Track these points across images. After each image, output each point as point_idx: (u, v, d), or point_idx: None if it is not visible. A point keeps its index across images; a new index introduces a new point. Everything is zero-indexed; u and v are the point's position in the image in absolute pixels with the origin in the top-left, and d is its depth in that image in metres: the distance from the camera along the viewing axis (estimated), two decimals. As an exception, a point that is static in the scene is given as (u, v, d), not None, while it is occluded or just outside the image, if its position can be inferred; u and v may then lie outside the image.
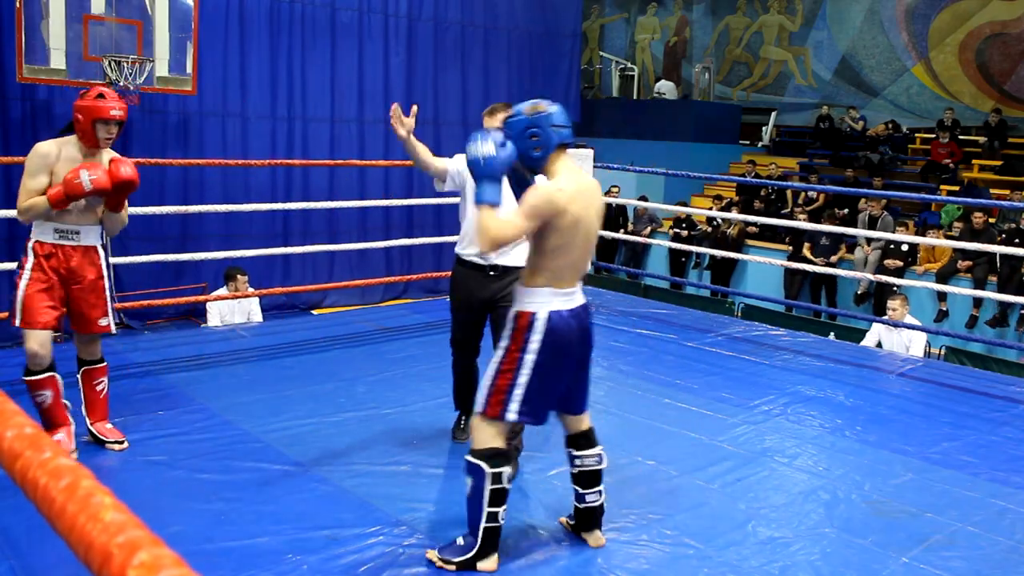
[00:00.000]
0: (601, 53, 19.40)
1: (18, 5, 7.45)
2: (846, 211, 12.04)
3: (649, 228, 12.68)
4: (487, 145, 2.88)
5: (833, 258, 10.96)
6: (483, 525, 2.99)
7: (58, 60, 7.75)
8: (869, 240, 10.83)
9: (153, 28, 8.23)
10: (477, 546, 3.00)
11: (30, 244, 3.77)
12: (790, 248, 11.53)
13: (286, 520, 3.36)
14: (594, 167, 7.58)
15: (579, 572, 3.12)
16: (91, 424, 4.04)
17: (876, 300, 10.54)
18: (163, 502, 3.46)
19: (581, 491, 3.28)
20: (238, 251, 6.82)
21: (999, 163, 13.46)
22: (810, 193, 12.83)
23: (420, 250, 10.91)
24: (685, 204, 13.39)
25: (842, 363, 6.20)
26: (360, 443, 4.21)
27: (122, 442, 4.00)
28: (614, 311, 7.38)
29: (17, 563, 2.96)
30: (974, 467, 4.31)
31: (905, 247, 10.62)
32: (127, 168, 3.76)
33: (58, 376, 3.84)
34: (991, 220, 10.68)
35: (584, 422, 3.29)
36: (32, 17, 7.57)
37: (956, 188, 12.78)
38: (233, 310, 7.49)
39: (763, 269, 11.29)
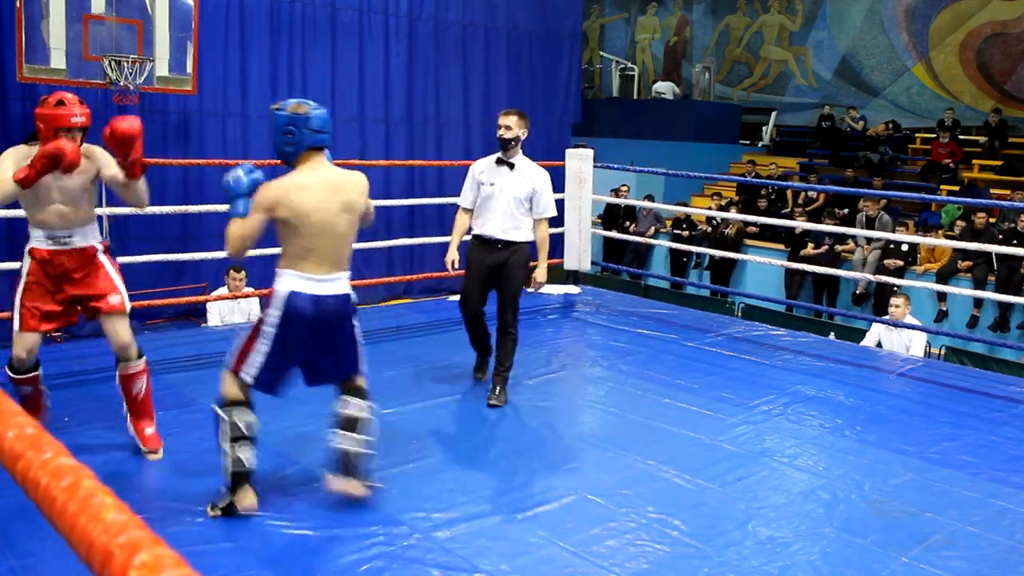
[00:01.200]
0: (601, 53, 19.41)
1: (18, 5, 7.46)
2: (846, 211, 12.03)
3: (653, 228, 12.69)
4: (237, 172, 3.41)
5: (837, 246, 10.97)
6: (226, 466, 3.28)
7: (58, 60, 7.75)
8: (869, 240, 10.83)
9: (153, 28, 8.23)
10: (228, 487, 3.30)
11: (26, 250, 3.77)
12: (789, 248, 11.53)
13: (286, 520, 3.36)
14: (594, 167, 7.57)
15: (579, 572, 3.12)
16: (130, 424, 3.96)
17: (876, 300, 10.54)
18: (162, 503, 3.46)
19: (337, 433, 3.48)
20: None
21: (999, 163, 13.47)
22: (810, 193, 12.84)
23: (422, 250, 10.91)
24: (685, 204, 13.39)
25: (842, 363, 6.20)
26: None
27: (156, 452, 3.92)
28: (615, 311, 7.38)
29: (17, 563, 2.96)
30: (974, 467, 4.31)
31: (905, 247, 10.62)
32: (125, 122, 3.70)
33: (39, 373, 3.89)
34: (991, 220, 10.68)
35: (353, 383, 3.55)
36: (32, 17, 7.57)
37: (956, 188, 12.79)
38: (233, 310, 7.49)
39: (763, 269, 11.30)
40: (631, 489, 3.83)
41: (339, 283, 3.35)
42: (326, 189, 3.31)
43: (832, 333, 7.80)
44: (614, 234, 10.55)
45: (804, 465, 4.27)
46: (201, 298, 7.70)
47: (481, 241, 4.98)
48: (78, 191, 3.74)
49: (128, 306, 3.94)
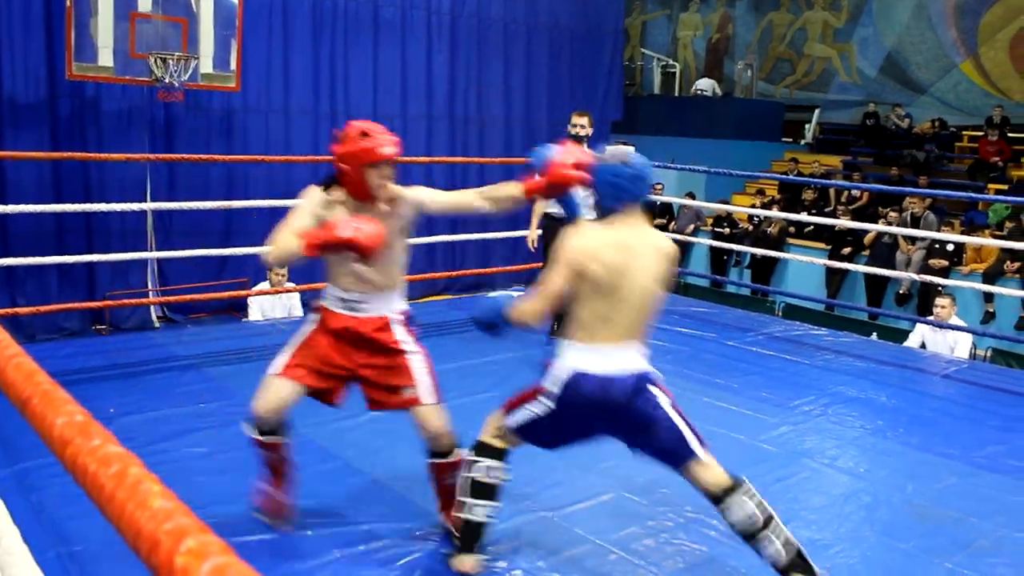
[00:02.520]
0: (643, 50, 19.30)
1: (68, 4, 7.58)
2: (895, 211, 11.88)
3: (693, 226, 12.61)
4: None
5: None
6: (463, 516, 2.98)
7: (106, 57, 7.86)
8: (913, 239, 10.67)
9: (198, 25, 8.32)
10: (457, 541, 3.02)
11: (316, 305, 3.30)
12: (830, 247, 11.41)
13: (326, 514, 3.39)
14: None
15: (617, 570, 3.12)
16: (442, 515, 3.30)
17: (920, 301, 10.39)
18: (205, 493, 3.51)
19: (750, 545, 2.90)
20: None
21: (1050, 162, 13.21)
22: (854, 192, 12.69)
23: (463, 247, 10.94)
24: (727, 202, 13.29)
25: (884, 364, 6.13)
26: (399, 438, 4.21)
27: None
28: (654, 309, 7.34)
29: (64, 550, 3.01)
30: (1021, 472, 4.24)
31: (951, 247, 10.46)
32: (349, 230, 2.82)
33: (285, 443, 3.23)
34: (1041, 220, 10.49)
35: (705, 473, 2.94)
36: (81, 15, 7.69)
37: (1005, 187, 12.57)
38: (274, 305, 7.57)
39: (804, 268, 11.18)
40: (669, 488, 3.81)
41: (627, 355, 2.94)
42: (623, 248, 2.86)
43: (874, 333, 7.71)
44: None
45: (845, 467, 4.22)
46: (242, 293, 7.78)
47: (556, 221, 5.52)
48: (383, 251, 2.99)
49: (431, 398, 3.19)
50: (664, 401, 2.95)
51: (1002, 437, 4.73)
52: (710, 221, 12.74)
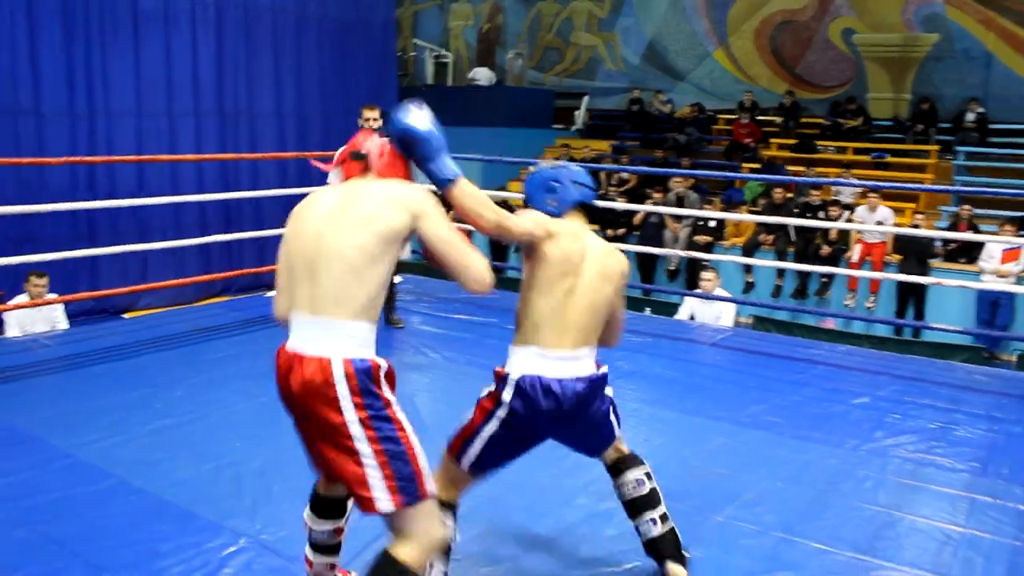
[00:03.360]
0: (415, 40, 19.33)
1: None
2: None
3: (470, 214, 12.77)
4: (427, 115, 2.61)
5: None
6: None
7: None
8: (679, 218, 11.27)
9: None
10: None
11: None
12: (603, 228, 11.85)
13: (103, 539, 3.20)
14: (411, 155, 7.55)
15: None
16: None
17: (688, 275, 10.99)
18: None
19: (632, 521, 3.03)
20: (37, 255, 6.41)
21: (794, 141, 14.31)
22: (623, 174, 13.23)
23: (239, 246, 10.57)
24: (503, 189, 13.54)
25: (658, 337, 6.45)
26: (179, 450, 4.05)
27: None
28: (436, 298, 7.40)
29: None
30: (780, 427, 4.58)
31: (713, 223, 11.12)
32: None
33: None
34: (789, 195, 11.34)
35: (613, 452, 3.06)
36: None
37: (757, 166, 13.49)
38: (34, 319, 7.05)
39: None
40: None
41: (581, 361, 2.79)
42: (581, 249, 2.78)
43: (648, 309, 8.10)
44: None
45: (626, 437, 4.40)
46: (-2, 307, 7.21)
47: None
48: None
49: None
50: (609, 400, 2.95)
51: (763, 396, 5.10)
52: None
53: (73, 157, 8.75)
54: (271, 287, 9.02)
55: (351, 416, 2.22)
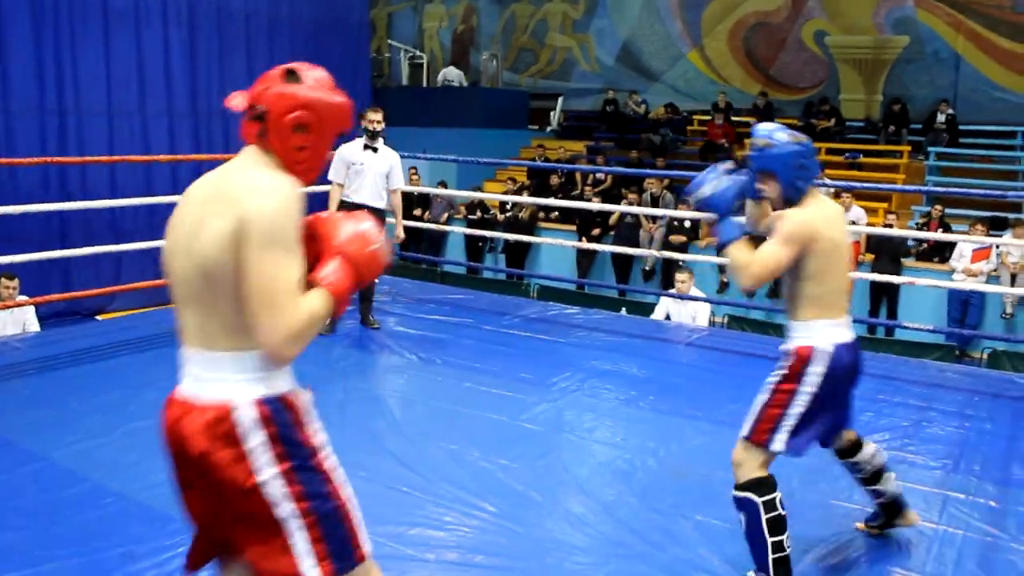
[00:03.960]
0: (390, 41, 19.27)
1: None
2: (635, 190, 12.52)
3: (447, 215, 12.75)
4: (719, 181, 2.95)
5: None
6: (771, 557, 2.86)
7: None
8: (654, 218, 11.30)
9: None
10: None
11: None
12: (579, 229, 11.87)
13: (78, 543, 3.16)
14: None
15: (391, 564, 3.10)
16: None
17: (663, 275, 11.01)
18: None
19: (876, 488, 3.30)
20: (7, 257, 6.31)
21: (768, 142, 14.36)
22: (598, 175, 13.26)
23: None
24: (479, 190, 13.53)
25: (634, 337, 6.47)
26: (155, 452, 3.99)
27: None
28: (412, 299, 7.38)
29: None
30: (756, 426, 4.59)
31: (688, 223, 11.16)
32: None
33: None
34: (763, 195, 11.38)
35: (849, 435, 3.28)
36: None
37: (732, 166, 13.52)
38: (5, 321, 6.96)
39: (556, 250, 11.59)
40: (437, 475, 3.85)
41: (850, 326, 3.07)
42: (833, 220, 3.00)
43: (623, 309, 8.11)
44: (408, 222, 10.50)
45: (603, 437, 4.42)
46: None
47: (353, 208, 5.93)
48: None
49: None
50: None
51: (739, 395, 5.07)
52: (463, 209, 12.92)
53: (44, 156, 8.66)
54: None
55: (267, 474, 1.81)
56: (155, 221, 10.12)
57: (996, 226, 9.90)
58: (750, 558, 2.96)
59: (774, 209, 3.09)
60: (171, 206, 6.76)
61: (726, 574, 3.10)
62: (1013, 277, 9.40)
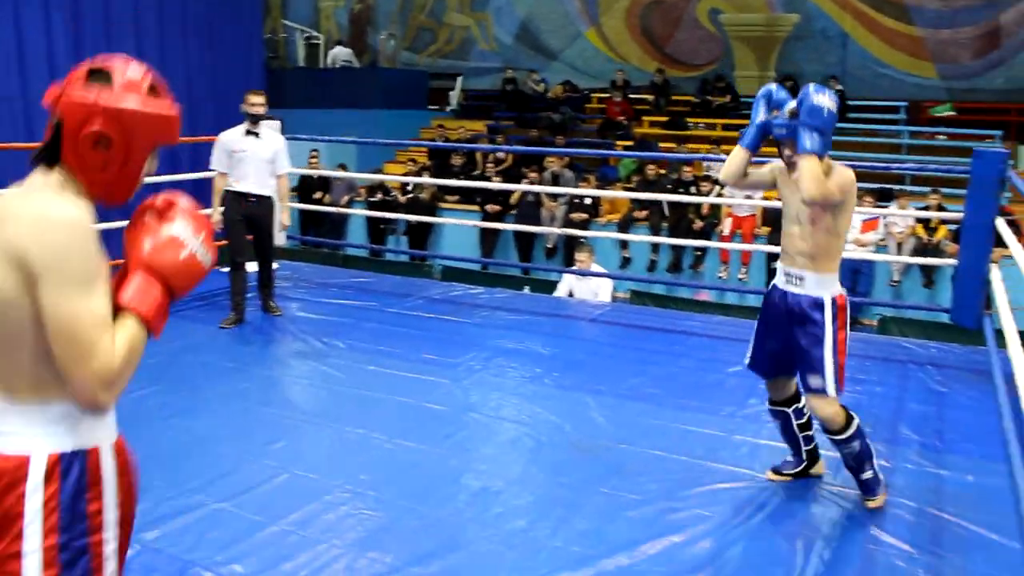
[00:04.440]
0: (284, 22, 18.88)
1: None
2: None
3: (347, 197, 12.58)
4: (828, 99, 3.17)
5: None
6: (875, 462, 3.45)
7: None
8: (555, 196, 11.37)
9: None
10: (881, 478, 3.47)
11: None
12: (481, 209, 11.87)
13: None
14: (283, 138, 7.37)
15: (298, 550, 3.07)
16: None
17: (566, 253, 11.10)
18: None
19: (809, 433, 3.66)
20: None
21: (665, 119, 14.61)
22: (499, 154, 13.27)
23: (106, 237, 10.12)
24: (379, 171, 13.41)
25: (538, 315, 6.50)
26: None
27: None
28: (314, 283, 7.28)
29: None
30: (659, 398, 4.68)
31: (588, 200, 11.26)
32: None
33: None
34: (662, 172, 11.57)
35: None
36: None
37: (630, 143, 13.71)
38: None
39: (458, 230, 11.57)
40: (343, 460, 3.82)
41: None
42: None
43: (527, 287, 8.15)
44: (308, 206, 10.38)
45: (509, 415, 4.44)
46: None
47: (237, 196, 5.96)
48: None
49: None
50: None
51: (641, 369, 5.20)
52: (364, 191, 12.79)
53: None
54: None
55: (30, 545, 1.54)
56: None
57: (883, 198, 10.24)
58: (655, 528, 3.01)
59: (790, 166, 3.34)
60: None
61: (634, 544, 3.15)
62: (899, 246, 9.77)
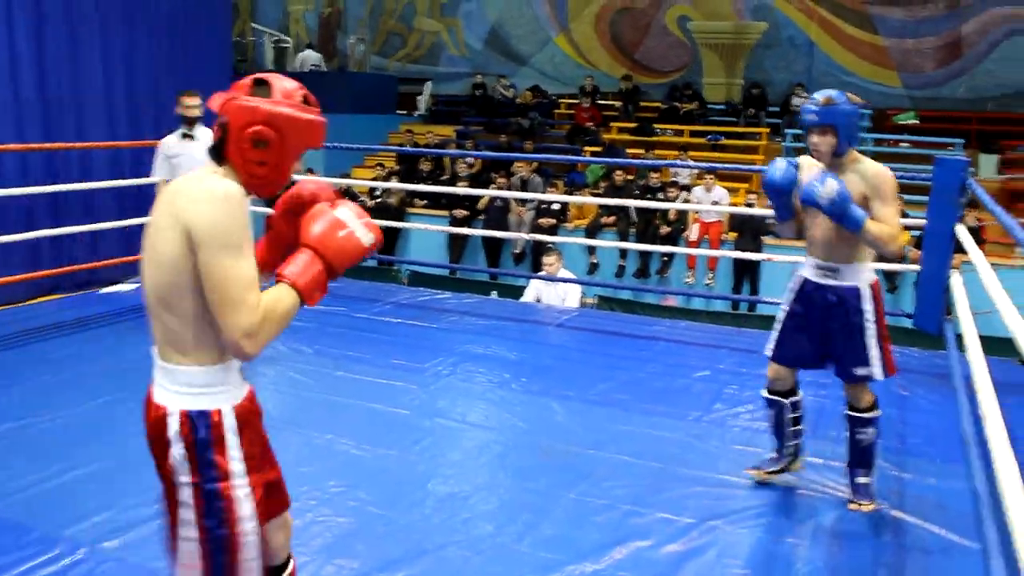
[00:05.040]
0: (253, 25, 18.78)
1: None
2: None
3: (315, 202, 12.52)
4: (832, 185, 3.15)
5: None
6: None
7: None
8: (523, 201, 11.39)
9: None
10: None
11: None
12: (449, 214, 11.85)
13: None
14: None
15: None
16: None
17: (533, 258, 11.11)
18: None
19: (800, 428, 3.72)
20: None
21: (634, 125, 14.68)
22: (468, 159, 13.27)
23: (70, 240, 10.03)
24: (347, 176, 13.36)
25: (505, 320, 6.51)
26: (13, 457, 3.82)
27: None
28: (283, 288, 7.24)
29: None
30: (626, 403, 4.71)
31: (556, 206, 11.29)
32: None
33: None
34: (630, 178, 11.62)
35: None
36: None
37: (599, 149, 13.77)
38: None
39: (426, 235, 11.56)
40: (310, 466, 3.80)
41: None
42: None
43: (494, 292, 8.16)
44: (271, 210, 10.27)
45: (476, 421, 4.44)
46: None
47: None
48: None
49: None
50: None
51: (609, 374, 5.22)
52: (333, 196, 12.72)
53: None
54: (105, 283, 8.60)
55: (183, 479, 1.90)
56: (5, 216, 9.60)
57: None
58: (622, 533, 3.02)
59: (823, 162, 3.35)
60: (22, 198, 6.46)
61: (601, 549, 3.16)
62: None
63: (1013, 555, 2.57)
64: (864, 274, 3.38)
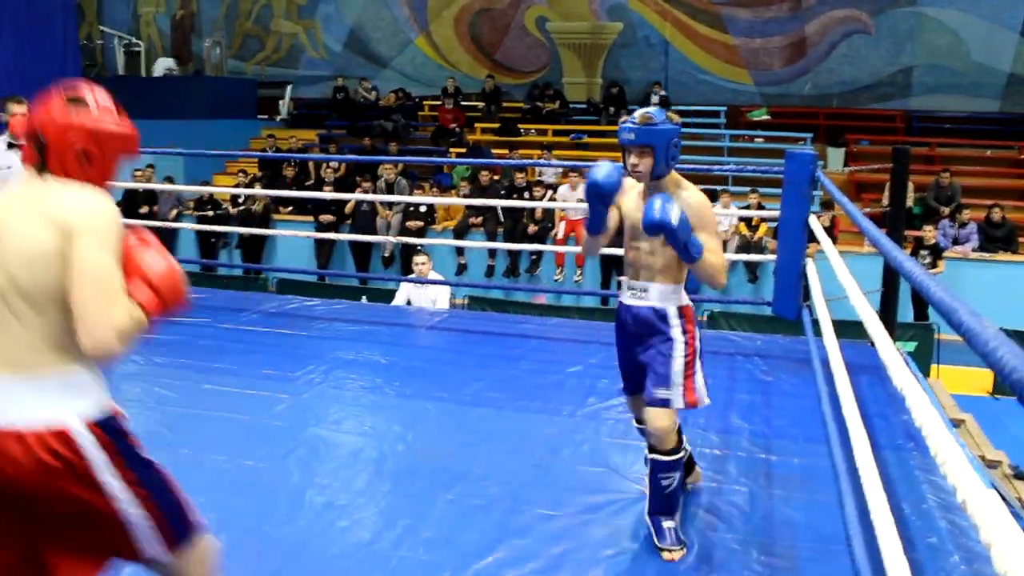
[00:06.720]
0: (101, 27, 18.06)
1: None
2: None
3: (176, 211, 12.13)
4: (674, 209, 2.89)
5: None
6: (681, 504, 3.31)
7: None
8: (390, 205, 11.33)
9: None
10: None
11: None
12: (315, 219, 11.69)
13: None
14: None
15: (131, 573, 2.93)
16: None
17: (403, 261, 11.07)
18: None
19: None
20: None
21: (497, 125, 14.79)
22: (332, 164, 13.10)
23: None
24: (208, 184, 13.00)
25: (376, 324, 6.45)
26: None
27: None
28: (143, 301, 6.98)
29: None
30: (500, 402, 4.73)
31: (424, 208, 11.27)
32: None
33: None
34: (495, 178, 11.70)
35: None
36: None
37: (463, 150, 13.82)
38: None
39: (293, 242, 11.36)
40: (179, 482, 3.66)
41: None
42: None
43: (364, 297, 8.08)
44: (135, 220, 9.92)
45: (350, 428, 4.38)
46: None
47: None
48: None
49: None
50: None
51: (481, 374, 5.23)
52: (192, 205, 12.37)
53: None
54: None
55: (115, 489, 1.97)
56: None
57: (708, 198, 10.72)
58: (501, 532, 3.03)
59: (643, 182, 3.18)
60: None
61: (481, 551, 3.16)
62: (724, 244, 10.22)
63: (868, 514, 2.72)
64: (675, 296, 3.21)
